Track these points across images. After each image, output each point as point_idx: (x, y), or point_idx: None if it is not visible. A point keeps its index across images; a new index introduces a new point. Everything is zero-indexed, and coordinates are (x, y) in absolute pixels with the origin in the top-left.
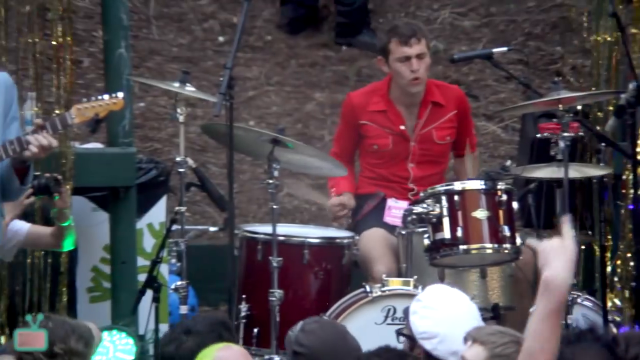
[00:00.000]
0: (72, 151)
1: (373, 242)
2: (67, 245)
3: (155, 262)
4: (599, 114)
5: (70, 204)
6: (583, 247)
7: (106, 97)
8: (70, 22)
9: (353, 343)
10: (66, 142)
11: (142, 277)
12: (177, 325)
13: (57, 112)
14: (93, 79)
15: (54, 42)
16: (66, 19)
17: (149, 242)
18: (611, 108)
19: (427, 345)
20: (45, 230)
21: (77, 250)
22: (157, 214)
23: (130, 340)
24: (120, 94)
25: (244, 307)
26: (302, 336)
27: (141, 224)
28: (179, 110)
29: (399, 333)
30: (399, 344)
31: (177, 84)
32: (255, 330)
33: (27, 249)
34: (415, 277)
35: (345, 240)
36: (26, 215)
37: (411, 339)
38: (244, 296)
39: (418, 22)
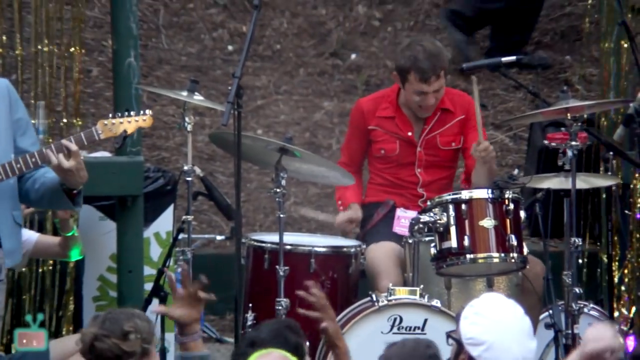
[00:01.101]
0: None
1: (380, 255)
2: (74, 255)
3: (162, 271)
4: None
5: (75, 214)
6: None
7: (133, 113)
8: (79, 32)
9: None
10: None
11: (148, 286)
12: (242, 340)
13: (64, 120)
14: (102, 88)
15: (65, 53)
16: (76, 28)
17: (155, 251)
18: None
19: (473, 351)
20: (54, 240)
21: (84, 260)
22: (164, 222)
23: None
24: (149, 111)
25: (250, 316)
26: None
27: (148, 232)
28: (187, 119)
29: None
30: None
31: (185, 93)
32: None
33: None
34: (422, 286)
35: (352, 250)
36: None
37: (459, 343)
38: (250, 305)
39: (440, 48)
